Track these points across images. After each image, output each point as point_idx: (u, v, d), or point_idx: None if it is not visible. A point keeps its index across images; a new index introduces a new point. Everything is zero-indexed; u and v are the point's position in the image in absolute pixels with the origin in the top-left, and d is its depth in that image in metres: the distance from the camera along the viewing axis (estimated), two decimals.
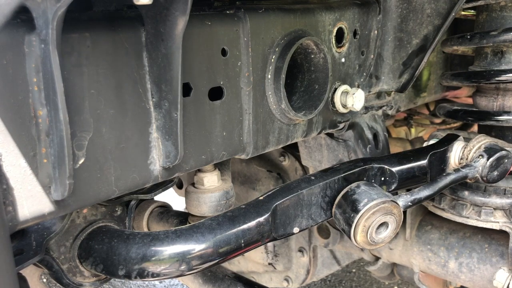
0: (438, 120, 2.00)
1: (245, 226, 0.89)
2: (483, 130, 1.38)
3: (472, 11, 1.41)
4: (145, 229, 1.16)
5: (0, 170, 0.61)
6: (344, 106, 1.11)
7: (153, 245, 0.84)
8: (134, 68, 0.73)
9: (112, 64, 0.70)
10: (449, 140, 1.16)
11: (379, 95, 1.32)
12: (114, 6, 0.76)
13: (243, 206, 0.94)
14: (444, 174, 1.13)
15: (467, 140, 1.16)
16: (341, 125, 1.19)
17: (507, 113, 1.28)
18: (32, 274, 0.99)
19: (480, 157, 1.10)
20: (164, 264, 0.84)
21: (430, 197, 1.12)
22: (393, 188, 1.11)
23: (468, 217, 1.31)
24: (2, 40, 0.58)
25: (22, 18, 0.60)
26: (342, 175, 1.03)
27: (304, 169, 1.60)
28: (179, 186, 1.83)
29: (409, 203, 1.07)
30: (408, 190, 1.14)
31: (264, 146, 0.98)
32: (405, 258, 1.50)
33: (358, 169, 1.07)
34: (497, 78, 1.23)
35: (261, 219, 0.91)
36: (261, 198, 0.96)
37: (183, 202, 1.16)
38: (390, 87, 1.27)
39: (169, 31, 0.69)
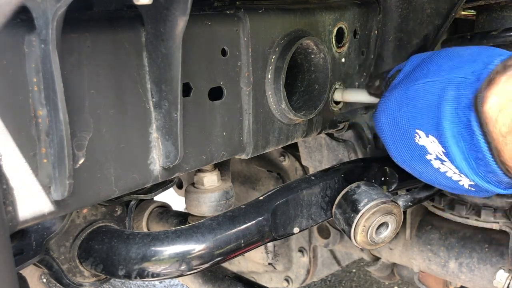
0: None
1: (245, 226, 0.90)
2: None
3: (472, 11, 1.41)
4: (145, 229, 1.16)
5: (0, 170, 0.61)
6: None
7: (153, 245, 0.84)
8: (134, 68, 0.73)
9: (112, 64, 0.70)
10: None
11: None
12: (114, 6, 0.76)
13: (243, 206, 0.94)
14: None
15: None
16: (341, 125, 1.19)
17: None
18: (32, 274, 0.99)
19: None
20: (164, 264, 0.84)
21: (430, 197, 1.12)
22: (393, 188, 1.11)
23: (468, 217, 1.31)
24: (2, 40, 0.58)
25: (22, 18, 0.60)
26: (342, 175, 1.04)
27: (304, 169, 1.60)
28: (179, 186, 1.83)
29: (409, 203, 1.07)
30: (408, 190, 1.14)
31: (264, 146, 0.98)
32: (405, 258, 1.50)
33: (358, 169, 1.07)
34: None
35: (261, 219, 0.91)
36: (261, 198, 0.96)
37: (183, 202, 1.16)
38: None
39: (169, 31, 0.68)
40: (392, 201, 0.97)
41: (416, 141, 0.86)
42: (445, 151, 0.81)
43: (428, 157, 0.86)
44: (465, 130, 0.76)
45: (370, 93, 1.04)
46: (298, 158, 1.59)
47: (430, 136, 0.83)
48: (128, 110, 0.73)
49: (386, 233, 0.99)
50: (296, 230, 0.97)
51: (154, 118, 0.77)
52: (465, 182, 0.84)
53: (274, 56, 0.93)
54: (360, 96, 1.06)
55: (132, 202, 1.04)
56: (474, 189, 0.85)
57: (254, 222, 0.90)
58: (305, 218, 0.99)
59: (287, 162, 1.64)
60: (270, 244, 1.83)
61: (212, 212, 1.06)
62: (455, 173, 0.83)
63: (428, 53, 0.94)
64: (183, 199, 1.18)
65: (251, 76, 0.90)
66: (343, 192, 1.00)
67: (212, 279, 1.35)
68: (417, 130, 0.85)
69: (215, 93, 0.86)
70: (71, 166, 0.63)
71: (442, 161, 0.84)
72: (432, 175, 0.90)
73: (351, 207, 0.96)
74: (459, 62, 0.83)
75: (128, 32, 0.71)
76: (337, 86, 1.10)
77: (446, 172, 0.85)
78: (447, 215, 1.36)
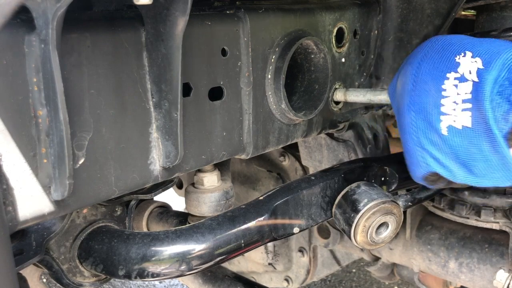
0: None
1: (245, 226, 0.90)
2: None
3: (472, 11, 1.41)
4: (145, 229, 1.16)
5: (0, 170, 0.61)
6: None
7: (153, 245, 0.84)
8: (134, 68, 0.73)
9: (112, 64, 0.70)
10: None
11: None
12: (114, 6, 0.76)
13: (243, 206, 0.94)
14: None
15: None
16: (341, 125, 1.19)
17: None
18: (32, 274, 0.99)
19: None
20: (164, 264, 0.84)
21: (430, 197, 1.12)
22: (393, 188, 1.11)
23: (468, 217, 1.32)
24: (2, 40, 0.58)
25: (22, 18, 0.60)
26: (342, 175, 1.03)
27: (304, 169, 1.60)
28: (179, 186, 1.83)
29: (409, 203, 1.07)
30: (408, 190, 1.14)
31: (264, 146, 0.98)
32: (405, 258, 1.50)
33: (358, 169, 1.07)
34: None
35: (261, 219, 0.91)
36: (261, 198, 0.96)
37: (183, 202, 1.16)
38: None
39: (169, 31, 0.69)
40: (392, 201, 0.97)
41: (456, 58, 0.85)
42: (482, 68, 0.80)
43: (449, 75, 0.84)
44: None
45: None
46: (298, 158, 1.59)
47: (476, 57, 0.82)
48: (128, 110, 0.73)
49: (386, 233, 0.99)
50: (296, 230, 0.97)
51: (154, 118, 0.77)
52: (448, 121, 0.83)
53: (274, 56, 0.93)
54: (362, 96, 1.06)
55: (132, 202, 1.04)
56: (445, 134, 0.84)
57: (254, 222, 0.90)
58: (305, 218, 0.99)
59: (287, 162, 1.64)
60: (270, 244, 1.83)
61: (212, 212, 1.06)
62: (454, 102, 0.82)
63: None
64: (183, 199, 1.18)
65: (251, 76, 0.90)
66: (343, 192, 1.00)
67: (212, 279, 1.35)
68: (466, 51, 0.84)
69: (215, 93, 0.86)
70: (71, 166, 0.63)
71: (462, 80, 0.82)
72: (426, 95, 0.87)
73: (351, 207, 0.96)
74: None
75: (128, 32, 0.71)
76: (337, 86, 1.10)
77: (445, 97, 0.84)
78: (447, 215, 1.36)
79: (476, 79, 0.81)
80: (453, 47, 0.87)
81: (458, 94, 0.82)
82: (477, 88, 0.80)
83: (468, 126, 0.81)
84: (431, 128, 0.87)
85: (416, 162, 0.92)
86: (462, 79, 0.82)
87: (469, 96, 0.81)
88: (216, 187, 1.07)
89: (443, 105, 0.84)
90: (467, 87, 0.81)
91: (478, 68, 0.81)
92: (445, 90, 0.84)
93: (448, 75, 0.84)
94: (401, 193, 1.13)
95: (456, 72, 0.83)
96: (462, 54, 0.84)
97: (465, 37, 0.90)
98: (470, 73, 0.81)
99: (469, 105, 0.81)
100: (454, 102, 0.83)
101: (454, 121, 0.83)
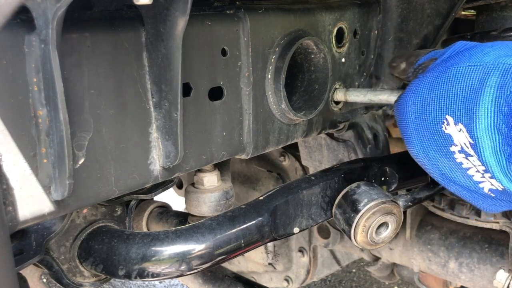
0: None
1: (245, 226, 0.90)
2: None
3: (472, 11, 1.41)
4: (145, 229, 1.16)
5: (0, 170, 0.61)
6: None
7: (153, 245, 0.84)
8: (134, 68, 0.73)
9: (112, 64, 0.70)
10: None
11: None
12: (114, 6, 0.76)
13: (243, 206, 0.94)
14: None
15: None
16: (341, 125, 1.19)
17: None
18: (32, 274, 0.99)
19: None
20: (164, 264, 0.84)
21: (430, 197, 1.12)
22: (393, 188, 1.11)
23: (468, 217, 1.32)
24: (2, 40, 0.58)
25: (22, 18, 0.60)
26: (342, 175, 1.04)
27: (304, 169, 1.60)
28: (179, 186, 1.83)
29: (409, 203, 1.07)
30: (408, 190, 1.14)
31: (264, 146, 0.98)
32: (405, 258, 1.50)
33: (358, 169, 1.07)
34: None
35: (261, 219, 0.91)
36: (261, 198, 0.96)
37: (183, 202, 1.16)
38: (390, 87, 1.27)
39: (169, 31, 0.69)
40: (392, 201, 0.97)
41: (443, 128, 0.78)
42: (472, 143, 0.73)
43: (452, 148, 0.78)
44: (503, 121, 0.69)
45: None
46: (298, 158, 1.59)
47: (459, 124, 0.75)
48: (128, 110, 0.73)
49: (386, 233, 1.00)
50: (296, 230, 0.97)
51: (154, 118, 0.77)
52: (486, 185, 0.78)
53: (274, 56, 0.93)
54: (362, 96, 1.06)
55: (132, 202, 1.04)
56: (493, 195, 0.79)
57: (254, 222, 0.90)
58: (305, 218, 0.99)
59: (287, 162, 1.65)
60: (270, 244, 1.83)
61: (212, 212, 1.06)
62: (478, 171, 0.76)
63: (473, 42, 0.86)
64: (183, 199, 1.18)
65: (251, 76, 0.90)
66: (343, 192, 1.00)
67: (212, 279, 1.35)
68: (446, 116, 0.77)
69: (215, 93, 0.86)
70: (71, 166, 0.63)
71: (467, 154, 0.76)
72: (452, 171, 0.82)
73: (351, 207, 0.96)
74: (510, 50, 0.75)
75: (128, 32, 0.71)
76: (337, 86, 1.10)
77: (468, 169, 0.78)
78: (447, 215, 1.36)
79: (472, 154, 0.75)
80: (431, 113, 0.80)
81: (474, 166, 0.77)
82: (483, 162, 0.73)
83: (504, 188, 0.75)
84: (480, 194, 0.82)
85: (491, 208, 0.87)
86: (466, 152, 0.76)
87: (484, 167, 0.75)
88: (216, 187, 1.07)
89: (472, 175, 0.79)
90: (476, 159, 0.75)
91: (469, 143, 0.74)
92: (461, 163, 0.78)
93: (452, 150, 0.78)
94: (401, 193, 1.13)
95: (456, 145, 0.78)
96: (445, 122, 0.78)
97: (431, 89, 0.81)
98: (467, 146, 0.75)
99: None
100: (477, 172, 0.77)
101: (492, 184, 0.77)
